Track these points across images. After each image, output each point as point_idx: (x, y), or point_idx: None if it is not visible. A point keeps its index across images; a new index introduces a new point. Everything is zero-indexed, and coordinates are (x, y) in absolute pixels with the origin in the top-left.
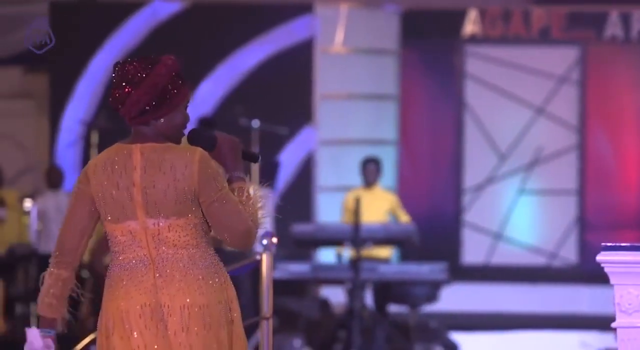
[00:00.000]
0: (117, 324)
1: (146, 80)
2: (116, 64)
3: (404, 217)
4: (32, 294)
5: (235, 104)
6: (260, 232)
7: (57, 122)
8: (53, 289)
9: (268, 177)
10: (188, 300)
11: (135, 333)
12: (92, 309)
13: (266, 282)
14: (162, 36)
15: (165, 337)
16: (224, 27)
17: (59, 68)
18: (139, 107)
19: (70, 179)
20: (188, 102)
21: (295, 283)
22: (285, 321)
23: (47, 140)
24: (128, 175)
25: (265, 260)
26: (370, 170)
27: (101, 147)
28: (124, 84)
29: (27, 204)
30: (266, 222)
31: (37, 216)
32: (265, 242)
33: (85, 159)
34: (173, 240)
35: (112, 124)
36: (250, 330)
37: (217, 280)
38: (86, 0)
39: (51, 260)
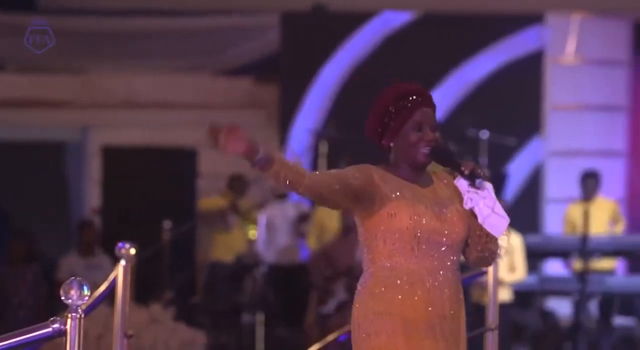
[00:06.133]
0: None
1: (373, 107)
2: None
3: (619, 225)
4: (258, 303)
5: (464, 114)
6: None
7: (286, 132)
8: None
9: (496, 188)
10: None
11: None
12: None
13: (492, 293)
14: (392, 46)
15: None
16: (454, 37)
17: (289, 78)
18: (368, 133)
19: None
20: (415, 124)
21: (521, 294)
22: (511, 332)
23: (276, 150)
24: None
25: (491, 271)
26: (590, 185)
27: (330, 157)
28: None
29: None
30: None
31: (265, 226)
32: None
33: (314, 169)
34: None
35: (341, 134)
36: (475, 341)
37: None
38: (317, 10)
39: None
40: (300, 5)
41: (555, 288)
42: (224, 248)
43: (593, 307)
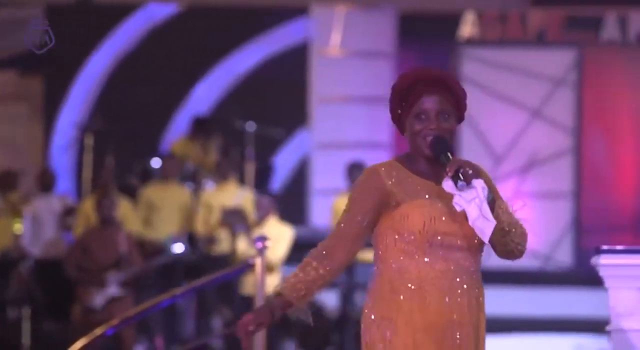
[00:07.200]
0: None
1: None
2: None
3: None
4: (24, 298)
5: (231, 107)
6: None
7: (51, 126)
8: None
9: (262, 180)
10: None
11: None
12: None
13: (260, 286)
14: (157, 38)
15: None
16: (219, 29)
17: (53, 71)
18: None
19: (63, 182)
20: (420, 112)
21: None
22: (279, 325)
23: (41, 144)
24: None
25: (258, 264)
26: (356, 176)
27: (96, 150)
28: None
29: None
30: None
31: (30, 220)
32: (259, 245)
33: (80, 162)
34: None
35: (106, 127)
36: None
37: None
38: (81, 2)
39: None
40: None
41: None
42: None
43: (359, 298)
